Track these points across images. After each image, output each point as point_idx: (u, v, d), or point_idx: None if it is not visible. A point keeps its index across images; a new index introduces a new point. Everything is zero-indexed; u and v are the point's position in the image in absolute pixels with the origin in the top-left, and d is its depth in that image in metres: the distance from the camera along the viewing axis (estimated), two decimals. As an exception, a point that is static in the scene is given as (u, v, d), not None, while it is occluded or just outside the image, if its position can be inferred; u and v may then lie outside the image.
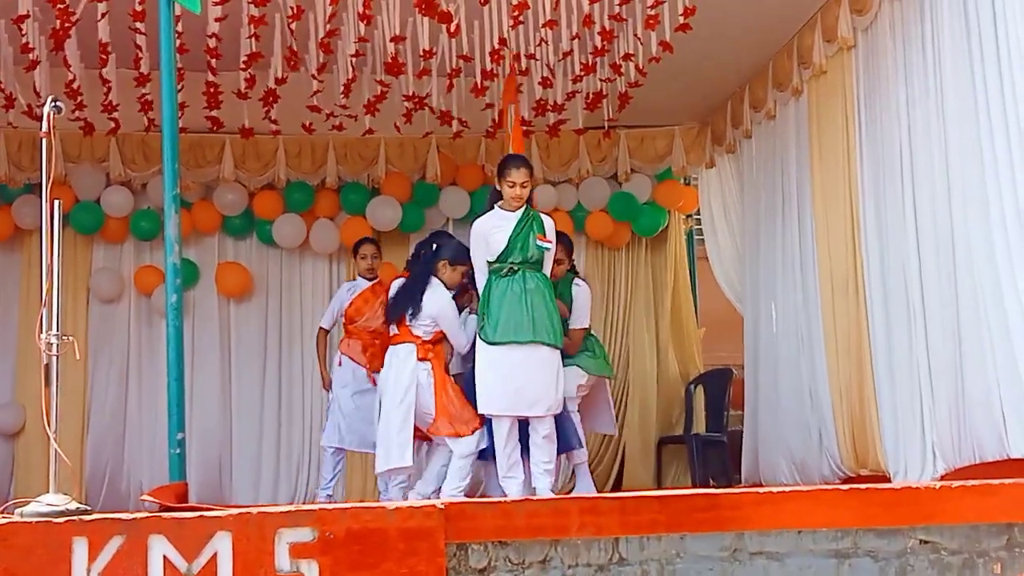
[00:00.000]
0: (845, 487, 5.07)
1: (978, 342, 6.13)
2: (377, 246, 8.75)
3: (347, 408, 8.25)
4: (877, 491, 4.97)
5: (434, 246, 7.14)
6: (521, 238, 6.71)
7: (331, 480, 8.37)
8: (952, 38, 6.42)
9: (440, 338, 6.99)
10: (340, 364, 8.36)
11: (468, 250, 6.98)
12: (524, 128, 7.84)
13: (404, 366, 6.87)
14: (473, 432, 6.76)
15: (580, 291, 7.52)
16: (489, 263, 6.76)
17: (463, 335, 7.03)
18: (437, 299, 6.93)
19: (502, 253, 6.70)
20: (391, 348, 7.04)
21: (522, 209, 6.78)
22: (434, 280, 6.96)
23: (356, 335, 8.38)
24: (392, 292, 7.16)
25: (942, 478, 6.40)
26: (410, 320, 6.93)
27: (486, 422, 6.78)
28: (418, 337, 6.91)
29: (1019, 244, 5.83)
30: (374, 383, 7.84)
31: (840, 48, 7.63)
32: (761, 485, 8.30)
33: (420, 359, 6.86)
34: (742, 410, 9.44)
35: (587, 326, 7.54)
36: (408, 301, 6.96)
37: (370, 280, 8.52)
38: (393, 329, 7.07)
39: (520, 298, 6.63)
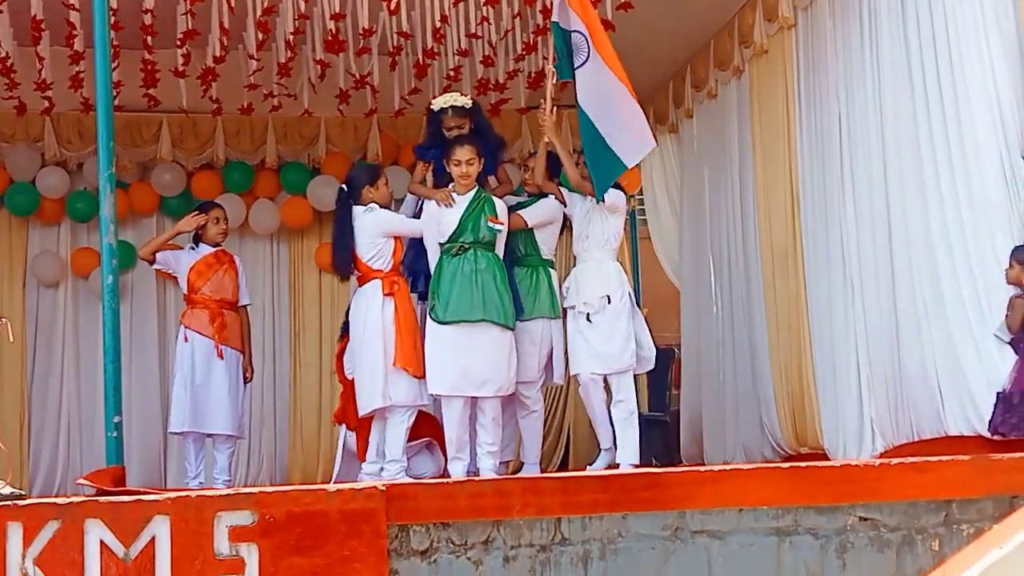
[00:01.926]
0: (785, 465, 5.13)
1: (914, 319, 6.20)
2: (226, 212, 8.16)
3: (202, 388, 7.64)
4: (817, 469, 5.03)
5: (343, 190, 6.96)
6: (472, 219, 6.68)
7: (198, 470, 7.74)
8: (888, 17, 6.48)
9: (398, 264, 6.84)
10: (186, 340, 7.70)
11: (373, 166, 7.03)
12: None
13: (372, 304, 6.71)
14: (413, 377, 6.61)
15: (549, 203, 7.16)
16: (440, 244, 6.74)
17: (409, 220, 6.92)
18: (361, 220, 6.78)
19: (453, 234, 6.68)
20: (357, 291, 6.88)
21: (473, 191, 6.76)
22: (356, 209, 6.80)
23: (202, 304, 7.74)
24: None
25: (881, 456, 6.46)
26: (361, 255, 6.77)
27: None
28: (380, 270, 6.76)
29: (955, 221, 5.90)
30: (221, 356, 7.64)
31: (780, 27, 7.66)
32: (703, 464, 8.35)
33: (386, 294, 6.69)
34: (683, 389, 9.49)
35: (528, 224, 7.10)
36: (345, 241, 6.82)
37: (214, 247, 7.86)
38: (356, 271, 6.89)
39: (471, 277, 6.59)
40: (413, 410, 6.69)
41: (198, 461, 7.73)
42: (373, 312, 6.68)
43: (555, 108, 6.89)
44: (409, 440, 6.79)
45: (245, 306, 8.00)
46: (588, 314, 6.77)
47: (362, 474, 6.81)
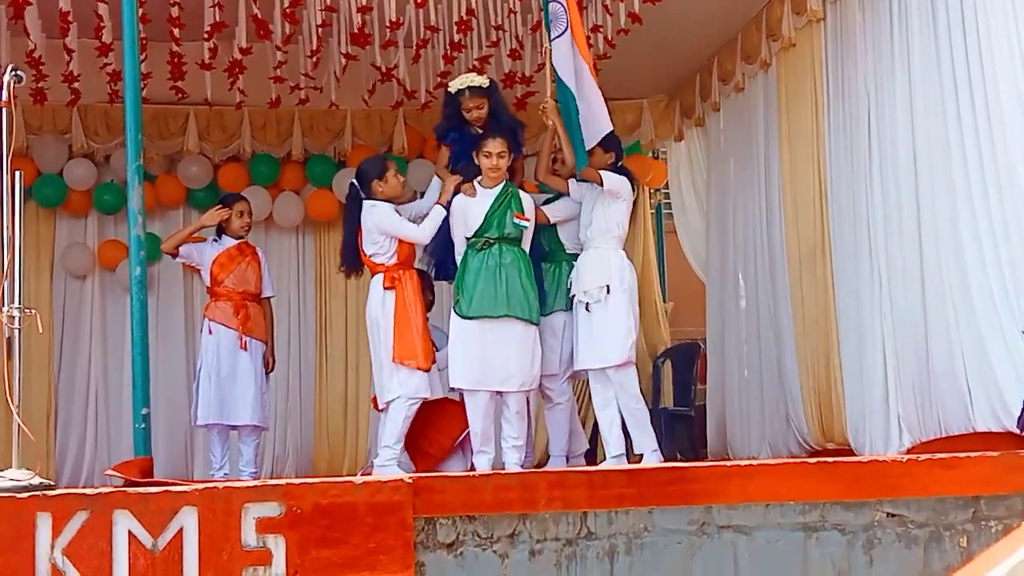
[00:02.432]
0: (812, 460, 5.10)
1: (943, 315, 6.15)
2: (250, 205, 8.21)
3: (228, 379, 7.71)
4: (844, 464, 5.00)
5: (354, 185, 6.97)
6: (498, 215, 6.69)
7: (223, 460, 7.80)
8: (919, 10, 6.43)
9: (405, 259, 6.84)
10: (210, 332, 7.77)
11: (380, 158, 7.13)
12: None
13: (374, 296, 6.80)
14: (416, 369, 6.64)
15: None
16: (466, 237, 6.74)
17: (406, 226, 6.82)
18: (367, 215, 6.81)
19: (479, 229, 6.69)
20: (371, 282, 6.93)
21: (501, 185, 6.74)
22: (365, 202, 6.83)
23: (225, 296, 7.82)
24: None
25: (908, 451, 6.43)
26: (364, 249, 6.83)
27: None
28: (382, 264, 6.79)
29: (984, 217, 5.85)
30: (245, 347, 7.71)
31: (809, 21, 7.62)
32: (729, 459, 8.33)
33: (386, 288, 6.74)
34: (710, 384, 9.46)
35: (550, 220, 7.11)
36: (352, 235, 6.91)
37: (237, 240, 7.93)
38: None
39: (495, 272, 6.60)
40: (414, 402, 6.68)
41: (223, 453, 7.77)
42: (374, 305, 6.78)
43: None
44: (451, 439, 6.86)
45: (268, 298, 8.05)
46: (587, 304, 6.75)
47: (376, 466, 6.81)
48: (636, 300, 6.91)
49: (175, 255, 7.90)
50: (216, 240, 7.92)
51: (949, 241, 6.10)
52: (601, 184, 6.76)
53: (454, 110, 7.05)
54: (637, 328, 6.88)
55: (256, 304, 7.91)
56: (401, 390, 6.65)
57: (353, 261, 6.98)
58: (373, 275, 6.85)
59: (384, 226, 6.77)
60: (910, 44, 6.52)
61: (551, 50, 6.74)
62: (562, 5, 6.63)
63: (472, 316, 6.59)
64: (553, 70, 6.74)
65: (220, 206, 7.94)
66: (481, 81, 7.03)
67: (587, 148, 6.71)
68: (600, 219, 6.83)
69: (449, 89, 7.09)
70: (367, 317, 6.88)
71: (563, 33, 6.63)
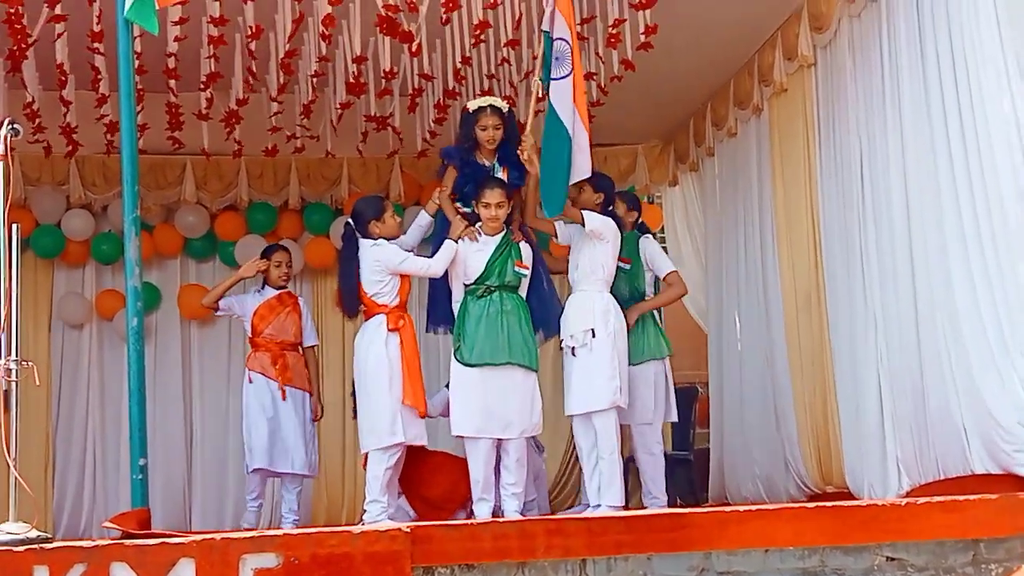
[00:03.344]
0: (811, 504, 5.09)
1: (936, 357, 6.16)
2: (290, 255, 8.41)
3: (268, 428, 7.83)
4: (843, 508, 4.99)
5: (349, 224, 6.88)
6: (499, 264, 6.69)
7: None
8: (909, 54, 6.48)
9: (405, 300, 6.78)
10: (250, 381, 7.92)
11: (377, 198, 7.06)
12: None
13: (375, 338, 6.63)
14: (421, 417, 6.59)
15: (650, 244, 7.44)
16: (464, 284, 6.74)
17: (417, 260, 6.77)
18: (367, 253, 6.71)
19: (480, 276, 6.68)
20: (363, 324, 6.79)
21: (501, 234, 6.76)
22: (363, 241, 6.73)
23: (264, 347, 7.97)
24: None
25: (907, 494, 6.41)
26: (366, 289, 6.70)
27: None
28: (384, 305, 6.68)
29: (977, 257, 5.87)
30: (285, 397, 7.82)
31: (800, 66, 7.68)
32: (728, 503, 8.31)
33: (390, 330, 6.61)
34: (708, 428, 9.43)
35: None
36: (350, 276, 6.75)
37: (278, 289, 8.10)
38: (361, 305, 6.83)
39: (496, 320, 6.59)
40: (399, 450, 6.61)
41: (257, 493, 7.93)
42: (376, 347, 6.61)
43: None
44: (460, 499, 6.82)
45: (312, 346, 8.19)
46: (573, 348, 6.76)
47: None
48: (624, 343, 6.85)
49: (216, 309, 8.03)
50: (259, 291, 8.08)
51: (942, 283, 6.12)
52: (583, 224, 6.78)
53: (468, 130, 6.95)
54: (625, 371, 6.81)
55: (295, 353, 8.03)
56: (408, 435, 6.53)
57: (352, 302, 6.83)
58: (371, 316, 6.71)
59: (392, 264, 6.67)
60: (900, 88, 6.56)
61: (547, 89, 6.67)
62: (567, 44, 6.57)
63: (474, 363, 6.57)
64: (549, 108, 6.64)
65: (259, 257, 8.08)
66: (502, 104, 6.98)
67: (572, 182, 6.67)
68: (585, 262, 6.83)
69: (468, 107, 7.01)
70: (364, 360, 6.67)
71: (567, 76, 6.58)
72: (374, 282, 6.69)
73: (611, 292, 6.88)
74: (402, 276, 6.76)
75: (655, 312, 7.43)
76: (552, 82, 6.61)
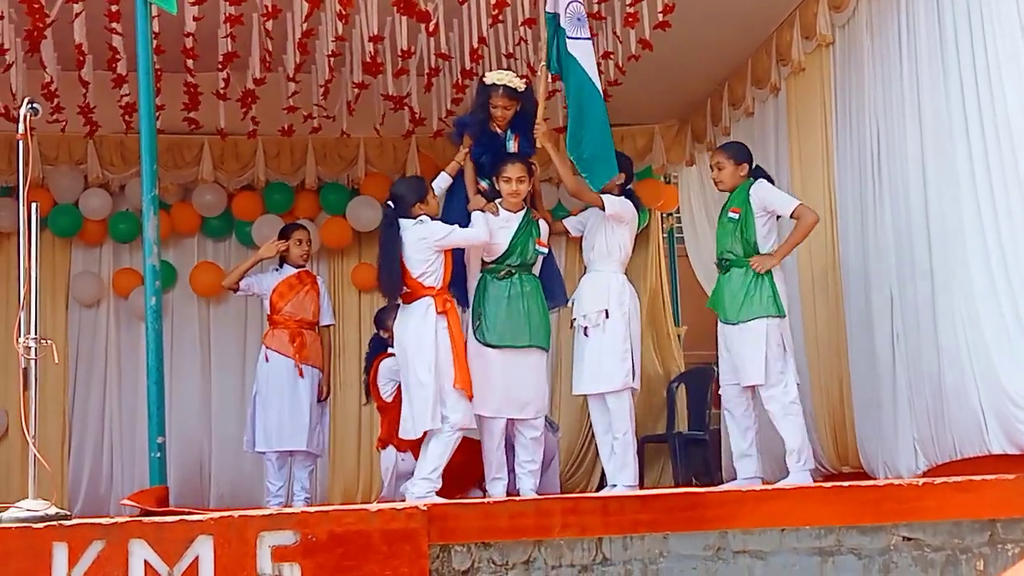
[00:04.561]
0: (828, 485, 5.09)
1: (953, 337, 6.15)
2: (309, 233, 8.39)
3: (284, 406, 7.82)
4: (860, 488, 4.99)
5: (390, 207, 6.70)
6: (521, 242, 6.66)
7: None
8: (927, 34, 6.45)
9: (449, 283, 6.59)
10: (267, 360, 7.93)
11: (419, 179, 6.97)
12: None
13: (424, 322, 6.43)
14: (466, 398, 6.40)
15: (761, 188, 6.78)
16: (484, 262, 6.70)
17: (461, 231, 6.55)
18: (411, 233, 6.52)
19: (502, 255, 6.64)
20: (402, 308, 6.59)
21: (523, 211, 6.72)
22: (404, 223, 6.55)
23: (283, 324, 7.97)
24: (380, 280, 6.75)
25: (924, 475, 6.41)
26: (412, 271, 6.49)
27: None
28: (431, 287, 6.48)
29: (994, 237, 5.85)
30: (302, 375, 7.85)
31: (818, 45, 7.65)
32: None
33: (439, 312, 6.41)
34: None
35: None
36: (394, 257, 6.51)
37: (297, 268, 8.09)
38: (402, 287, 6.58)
39: (518, 301, 6.58)
40: (460, 433, 6.44)
41: (281, 480, 7.89)
42: (427, 331, 6.40)
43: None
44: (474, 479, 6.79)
45: (328, 326, 8.25)
46: (586, 328, 6.74)
47: (409, 495, 6.54)
48: (638, 324, 6.83)
49: (236, 289, 8.08)
50: (277, 269, 8.12)
51: (958, 262, 6.10)
52: (602, 208, 6.75)
53: (483, 101, 6.86)
54: (638, 353, 6.76)
55: (313, 332, 8.08)
56: (456, 419, 6.34)
57: (395, 286, 6.56)
58: (415, 299, 6.49)
59: (439, 237, 6.48)
60: (918, 67, 6.54)
61: (554, 71, 6.62)
62: (581, 4, 6.52)
63: (497, 345, 6.55)
64: (577, 69, 6.51)
65: (278, 238, 8.11)
66: (519, 84, 6.84)
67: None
68: (602, 242, 6.82)
69: (484, 79, 6.91)
70: (412, 344, 6.45)
71: (589, 38, 6.55)
72: (421, 261, 6.48)
73: (721, 246, 6.73)
74: (447, 254, 6.58)
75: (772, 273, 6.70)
76: (572, 41, 6.51)
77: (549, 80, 6.80)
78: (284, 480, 7.92)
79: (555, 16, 6.63)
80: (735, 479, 6.93)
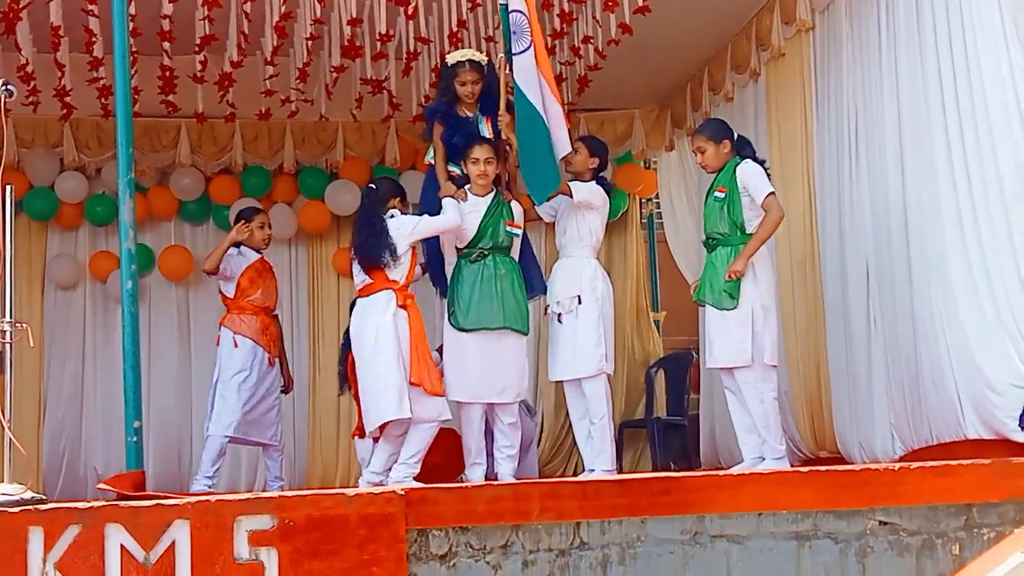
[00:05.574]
0: (804, 469, 5.10)
1: (931, 323, 6.18)
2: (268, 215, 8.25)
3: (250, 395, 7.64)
4: (836, 473, 5.02)
5: (373, 187, 6.73)
6: (491, 224, 6.63)
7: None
8: (907, 19, 6.47)
9: (411, 281, 6.60)
10: (236, 345, 7.66)
11: (400, 185, 6.84)
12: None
13: (384, 314, 6.39)
14: (430, 393, 6.37)
15: (747, 168, 6.58)
16: (458, 248, 6.69)
17: (430, 219, 6.56)
18: (398, 224, 6.52)
19: (473, 239, 6.61)
20: (360, 301, 6.55)
21: (492, 194, 6.70)
22: (392, 210, 6.59)
23: (251, 311, 7.75)
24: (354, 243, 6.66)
25: (900, 459, 6.44)
26: (389, 261, 6.45)
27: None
28: (395, 281, 6.47)
29: (971, 223, 5.87)
30: (272, 364, 7.74)
31: (798, 30, 7.66)
32: (721, 468, 8.32)
33: (400, 306, 6.40)
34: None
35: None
36: (379, 244, 6.44)
37: (259, 253, 7.88)
38: (363, 278, 6.54)
39: (491, 284, 6.55)
40: (437, 424, 6.44)
41: (215, 464, 7.67)
42: (386, 324, 6.37)
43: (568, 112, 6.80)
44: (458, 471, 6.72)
45: (277, 315, 8.06)
46: (560, 314, 6.73)
47: (361, 480, 6.64)
48: (611, 309, 6.80)
49: (215, 272, 7.81)
50: (240, 254, 7.83)
51: (936, 249, 6.13)
52: (570, 195, 6.72)
53: (447, 84, 6.86)
54: (611, 337, 6.74)
55: (273, 319, 7.92)
56: (422, 413, 6.31)
57: (375, 252, 6.45)
58: (376, 291, 6.47)
59: (408, 229, 6.47)
60: (897, 53, 6.55)
61: (511, 65, 6.53)
62: (524, 15, 6.43)
63: (469, 328, 6.53)
64: (516, 90, 6.47)
65: (241, 221, 7.89)
66: (481, 57, 6.87)
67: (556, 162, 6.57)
68: (573, 228, 6.79)
69: (447, 61, 6.91)
70: (370, 337, 6.42)
71: (526, 50, 6.42)
72: (400, 251, 6.47)
73: (708, 225, 6.64)
74: (412, 250, 6.55)
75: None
76: (513, 57, 6.49)
77: (508, 71, 6.65)
78: (220, 468, 7.78)
79: (506, 7, 6.59)
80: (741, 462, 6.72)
